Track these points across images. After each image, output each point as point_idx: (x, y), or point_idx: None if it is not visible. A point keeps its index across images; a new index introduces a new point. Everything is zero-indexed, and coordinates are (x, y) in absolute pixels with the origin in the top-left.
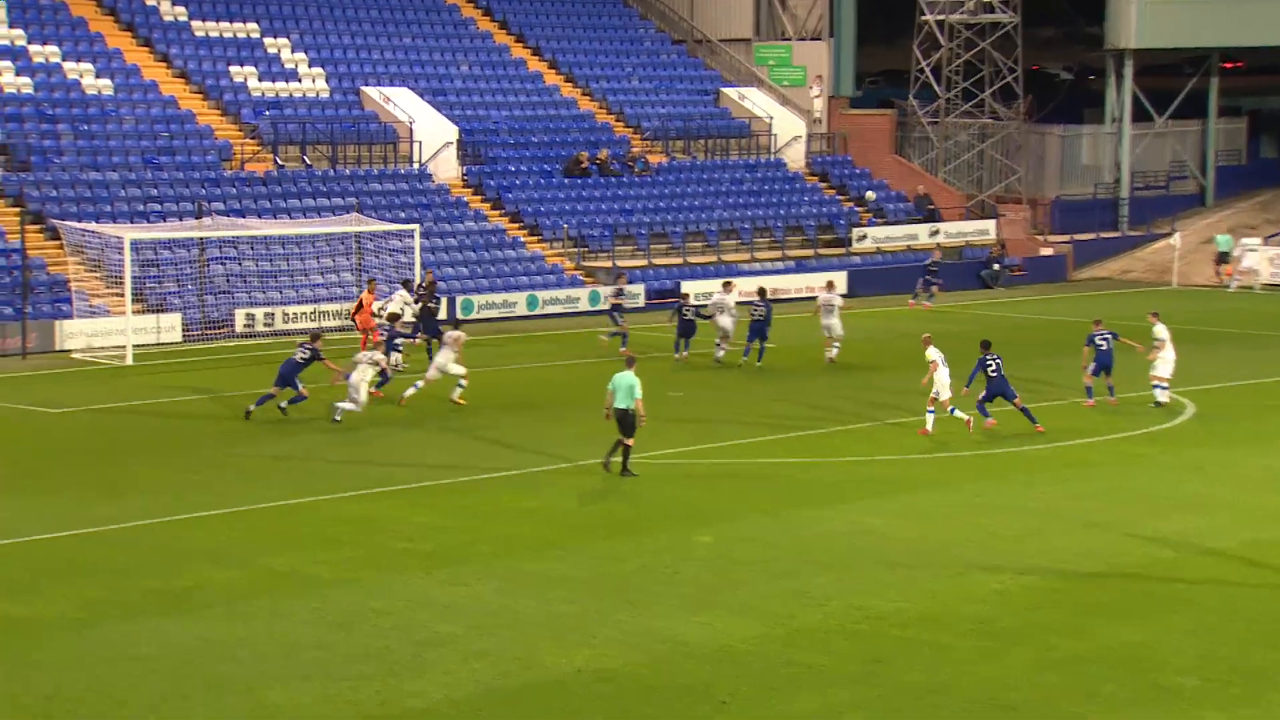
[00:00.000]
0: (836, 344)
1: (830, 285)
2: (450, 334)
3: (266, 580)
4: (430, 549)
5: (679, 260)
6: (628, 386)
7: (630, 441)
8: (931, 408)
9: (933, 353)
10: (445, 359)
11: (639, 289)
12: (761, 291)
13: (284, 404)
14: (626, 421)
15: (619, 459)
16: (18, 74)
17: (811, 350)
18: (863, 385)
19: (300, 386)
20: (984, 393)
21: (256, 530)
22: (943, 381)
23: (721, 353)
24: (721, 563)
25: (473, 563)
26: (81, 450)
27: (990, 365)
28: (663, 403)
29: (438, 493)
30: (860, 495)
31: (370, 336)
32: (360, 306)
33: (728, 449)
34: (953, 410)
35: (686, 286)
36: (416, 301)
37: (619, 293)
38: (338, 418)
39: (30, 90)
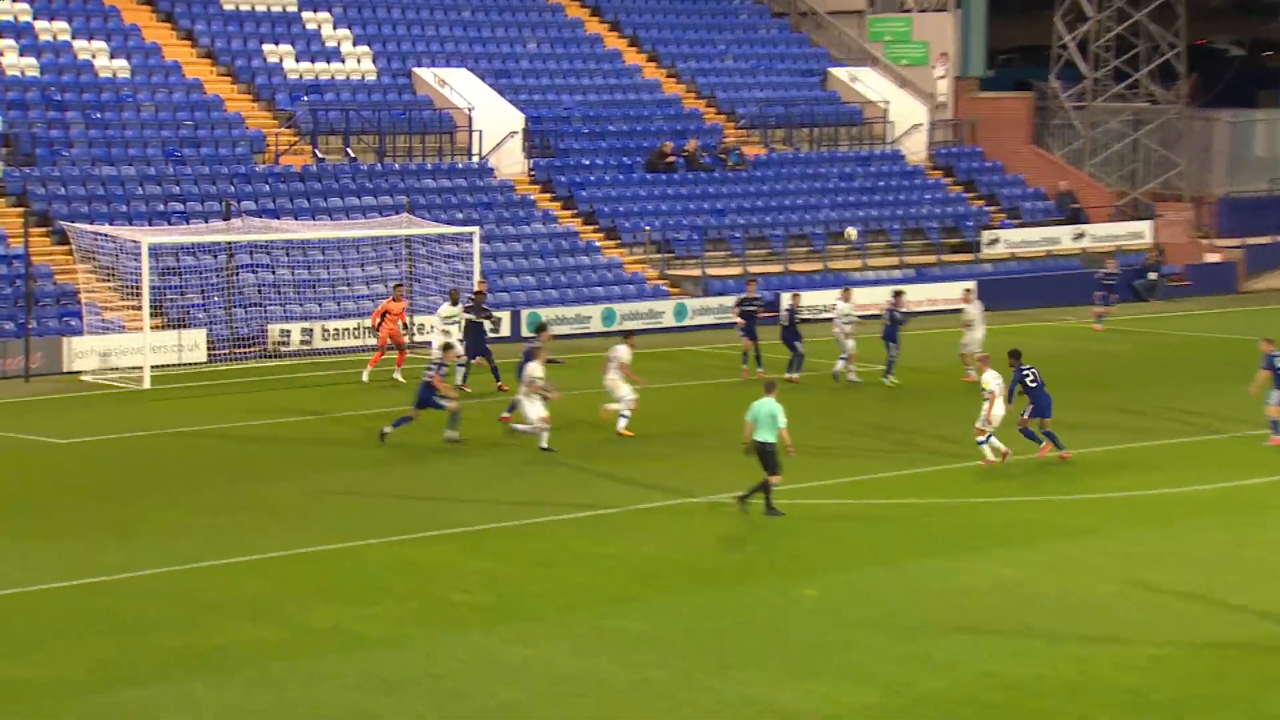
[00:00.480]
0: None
1: (969, 294)
2: (614, 349)
3: (304, 638)
4: (493, 601)
5: (779, 268)
6: (769, 415)
7: (775, 479)
8: (982, 438)
9: (991, 379)
10: (612, 380)
11: (730, 301)
12: (898, 294)
13: (453, 434)
14: (770, 456)
15: (758, 499)
16: (21, 54)
17: (942, 370)
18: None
19: (447, 403)
20: (1029, 409)
21: (293, 580)
22: (998, 415)
23: (844, 370)
24: (829, 620)
25: (543, 618)
26: (92, 487)
27: (1028, 376)
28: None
29: (503, 536)
30: (994, 542)
31: (398, 354)
32: (384, 316)
33: (837, 487)
34: (985, 440)
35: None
36: (466, 312)
37: (758, 304)
38: (542, 445)
39: (35, 73)
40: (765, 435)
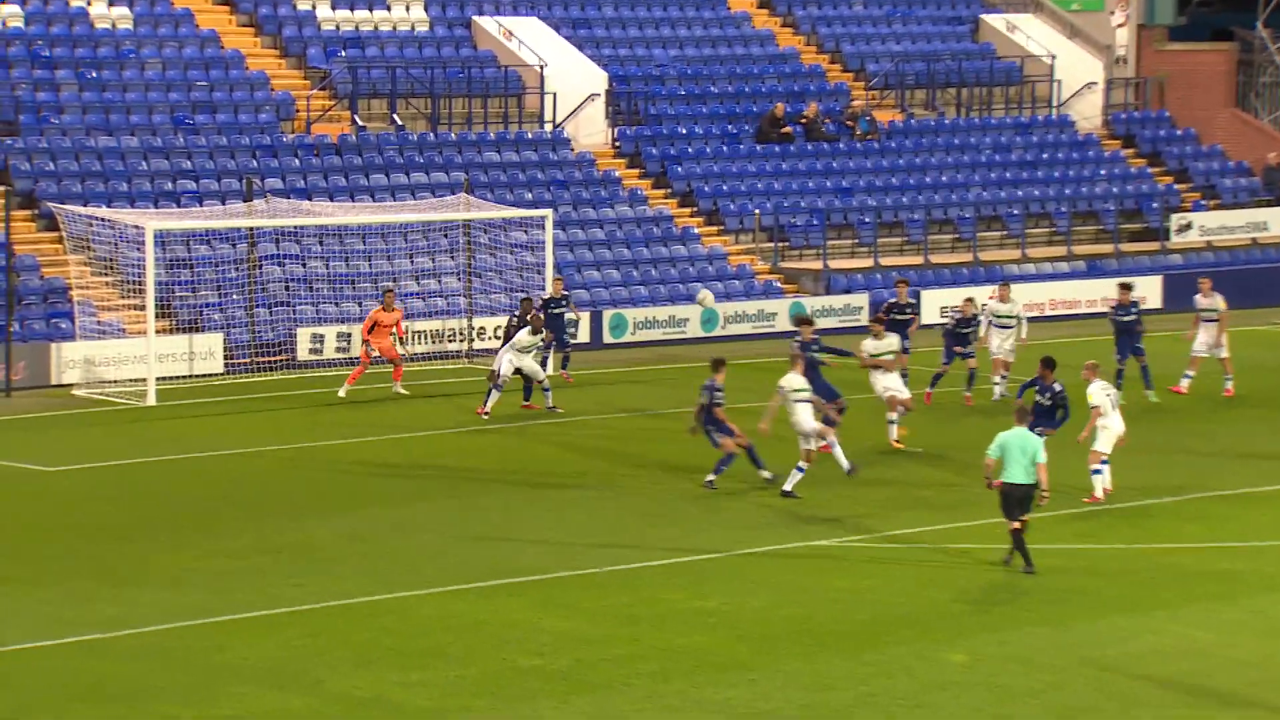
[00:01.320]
0: (1229, 375)
1: (1205, 285)
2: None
3: (340, 710)
4: (567, 667)
5: (917, 259)
6: (1026, 450)
7: (1018, 524)
8: (1097, 465)
9: (1096, 391)
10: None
11: (862, 300)
12: (1126, 286)
13: (711, 475)
14: (1023, 498)
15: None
16: (3, 0)
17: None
18: (1201, 435)
19: (723, 438)
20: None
21: (326, 638)
22: (1116, 431)
23: (1000, 389)
24: (980, 692)
25: (628, 688)
26: (83, 524)
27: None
28: (888, 465)
29: (582, 586)
30: (1183, 598)
31: (395, 370)
32: (374, 326)
33: (985, 529)
34: (1099, 468)
35: (932, 296)
36: (543, 310)
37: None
38: (787, 487)
39: (19, 23)
40: (1017, 475)
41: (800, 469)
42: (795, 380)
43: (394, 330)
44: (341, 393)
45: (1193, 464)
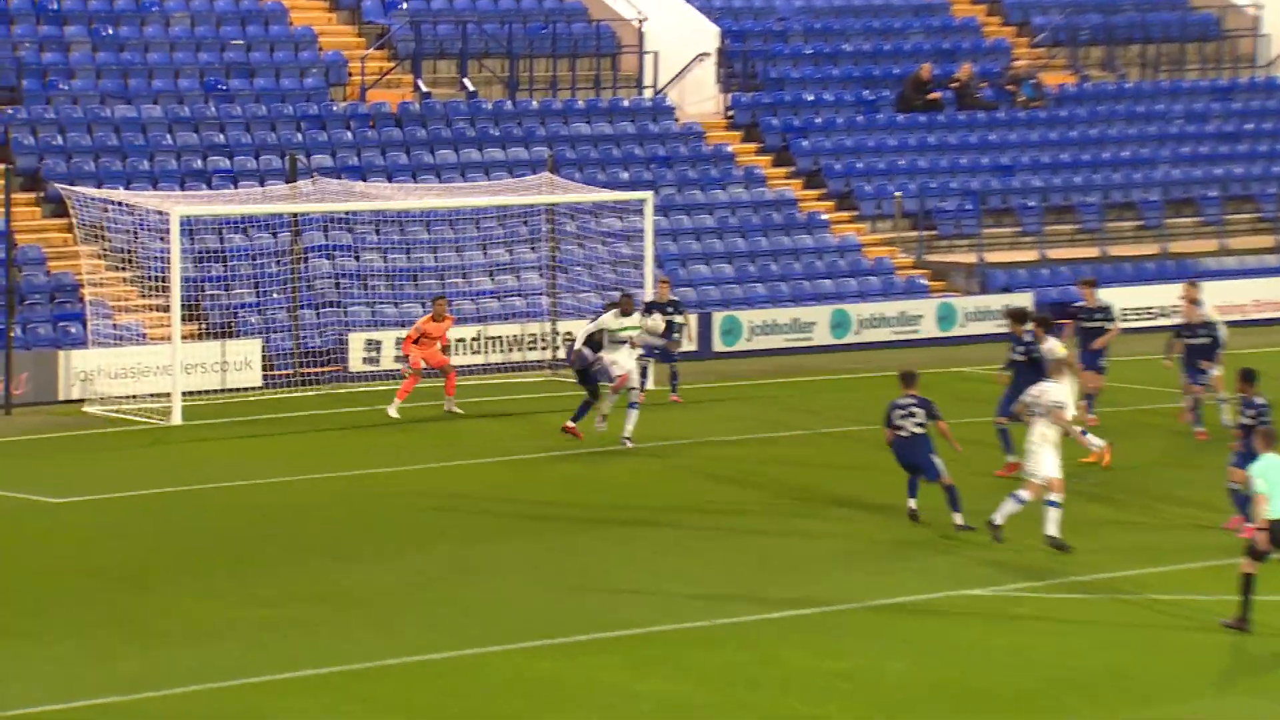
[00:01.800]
0: None
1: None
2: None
3: None
4: None
5: (1093, 251)
6: None
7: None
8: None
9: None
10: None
11: (1025, 300)
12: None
13: (961, 521)
14: None
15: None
16: None
17: None
18: None
19: (942, 473)
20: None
21: (381, 703)
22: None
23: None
24: None
25: None
26: (98, 566)
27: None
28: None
29: (688, 642)
30: None
31: (448, 380)
32: (421, 337)
33: (1191, 575)
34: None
35: (1114, 295)
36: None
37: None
38: (997, 521)
39: None
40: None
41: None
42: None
43: (442, 341)
44: (392, 411)
45: None
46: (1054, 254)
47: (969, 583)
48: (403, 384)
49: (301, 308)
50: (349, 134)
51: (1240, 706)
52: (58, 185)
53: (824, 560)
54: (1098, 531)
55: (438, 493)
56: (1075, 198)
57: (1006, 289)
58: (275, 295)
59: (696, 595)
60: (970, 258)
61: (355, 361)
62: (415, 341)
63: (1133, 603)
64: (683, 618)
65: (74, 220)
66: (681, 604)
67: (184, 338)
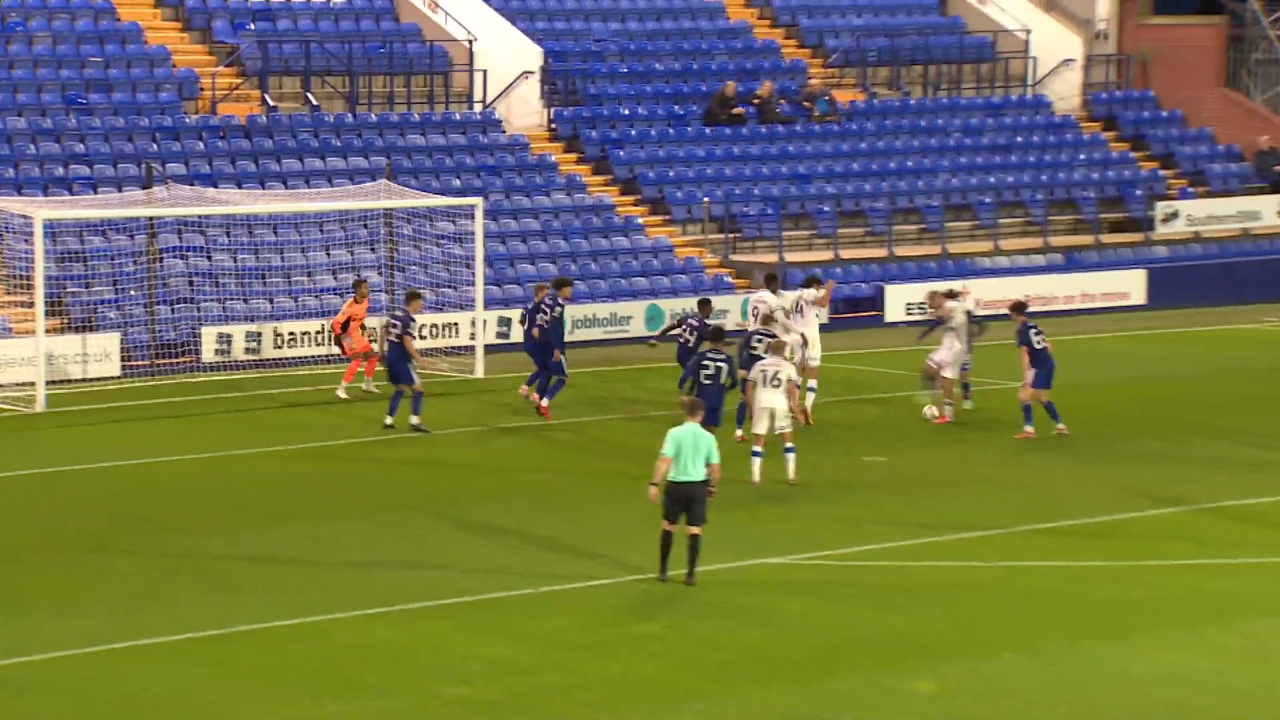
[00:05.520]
0: None
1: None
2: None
3: None
4: (498, 697)
5: (881, 252)
6: None
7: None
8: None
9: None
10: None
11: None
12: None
13: None
14: None
15: None
16: None
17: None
18: (1174, 445)
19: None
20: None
21: (235, 667)
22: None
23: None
24: None
25: None
26: None
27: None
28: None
29: (515, 609)
30: (1174, 621)
31: (366, 364)
32: (348, 323)
33: (961, 545)
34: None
35: (899, 291)
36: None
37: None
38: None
39: None
40: None
41: None
42: None
43: (361, 323)
44: (340, 393)
45: (1173, 475)
46: (846, 254)
47: (766, 553)
48: (348, 367)
49: (157, 304)
50: (201, 144)
51: (1007, 663)
52: None
53: (637, 531)
54: (883, 505)
55: (286, 474)
56: (865, 203)
57: (800, 286)
58: (133, 293)
59: (522, 565)
60: (771, 258)
61: (207, 353)
62: (344, 326)
63: (907, 568)
64: (509, 586)
65: None
66: (508, 574)
67: (47, 331)
